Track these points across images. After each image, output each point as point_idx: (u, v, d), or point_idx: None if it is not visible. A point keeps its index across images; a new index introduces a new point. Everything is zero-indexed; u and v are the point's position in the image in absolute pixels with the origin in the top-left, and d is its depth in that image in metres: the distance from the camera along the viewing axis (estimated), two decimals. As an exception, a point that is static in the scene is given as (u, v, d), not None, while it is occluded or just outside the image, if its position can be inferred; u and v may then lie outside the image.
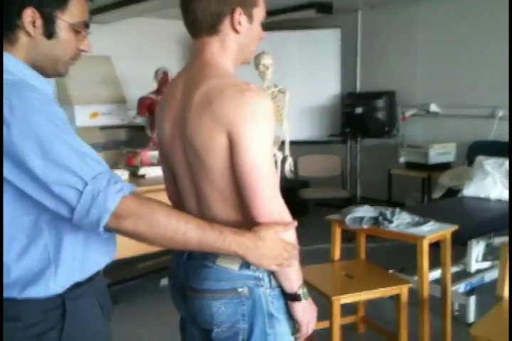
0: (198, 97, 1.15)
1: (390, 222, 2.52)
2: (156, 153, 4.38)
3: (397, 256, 3.76)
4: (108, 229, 1.00)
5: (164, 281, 3.60)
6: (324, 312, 2.09)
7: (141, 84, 5.08)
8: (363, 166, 5.32)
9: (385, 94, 5.20)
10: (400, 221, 2.56)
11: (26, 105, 0.97)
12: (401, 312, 2.45)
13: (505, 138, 4.43)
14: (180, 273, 1.30)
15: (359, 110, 5.11)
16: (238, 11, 1.19)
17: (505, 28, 4.45)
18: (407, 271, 3.20)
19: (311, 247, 4.03)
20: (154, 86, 4.94)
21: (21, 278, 1.05)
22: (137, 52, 5.76)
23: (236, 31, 1.21)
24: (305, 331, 1.25)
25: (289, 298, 1.23)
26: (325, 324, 2.32)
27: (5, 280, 1.05)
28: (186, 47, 6.23)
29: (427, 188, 4.77)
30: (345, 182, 5.46)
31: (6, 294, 1.06)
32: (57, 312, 1.09)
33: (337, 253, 2.77)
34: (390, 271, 3.01)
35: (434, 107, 4.65)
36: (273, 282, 1.23)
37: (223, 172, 1.15)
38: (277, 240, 1.13)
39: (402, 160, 4.86)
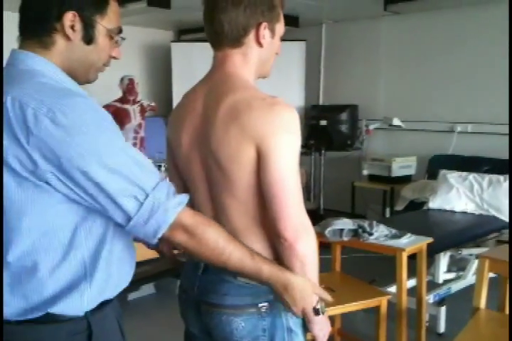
0: (223, 109, 1.13)
1: (370, 234, 2.55)
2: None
3: (365, 267, 3.81)
4: (159, 238, 1.01)
5: (133, 296, 3.51)
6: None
7: (104, 92, 4.96)
8: (327, 178, 5.38)
9: (348, 107, 5.29)
10: (379, 233, 2.59)
11: (79, 112, 0.93)
12: (380, 325, 2.47)
13: (464, 152, 4.59)
14: (194, 287, 1.26)
15: (323, 122, 5.18)
16: (264, 25, 1.20)
17: (468, 44, 4.65)
18: (378, 283, 3.24)
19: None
20: (119, 93, 4.84)
21: (56, 292, 1.00)
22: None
23: (260, 45, 1.22)
24: None
25: None
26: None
27: (39, 295, 0.99)
28: (149, 54, 6.17)
29: (389, 201, 4.87)
30: (309, 194, 5.50)
31: (36, 313, 1.00)
32: (84, 336, 1.04)
33: (315, 266, 2.77)
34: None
35: (396, 121, 4.76)
36: None
37: (248, 185, 1.14)
38: (309, 289, 1.15)
39: (365, 172, 4.95)
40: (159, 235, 0.99)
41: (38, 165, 0.91)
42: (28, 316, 1.00)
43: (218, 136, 1.13)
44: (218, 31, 1.20)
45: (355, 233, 2.60)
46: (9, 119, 0.91)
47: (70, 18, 1.02)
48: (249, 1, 1.18)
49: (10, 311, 1.00)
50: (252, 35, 1.20)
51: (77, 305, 1.02)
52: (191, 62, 5.82)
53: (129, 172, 0.96)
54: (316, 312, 1.20)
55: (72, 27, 1.03)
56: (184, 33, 6.33)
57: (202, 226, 1.03)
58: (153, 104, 5.14)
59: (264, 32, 1.21)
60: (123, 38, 1.13)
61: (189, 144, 1.22)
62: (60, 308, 1.00)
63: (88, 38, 1.06)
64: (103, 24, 1.06)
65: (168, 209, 0.98)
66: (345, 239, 2.57)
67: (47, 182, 0.94)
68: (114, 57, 1.13)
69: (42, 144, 0.90)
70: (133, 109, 4.92)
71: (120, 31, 1.11)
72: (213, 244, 1.04)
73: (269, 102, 1.12)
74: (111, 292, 1.09)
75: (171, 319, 3.01)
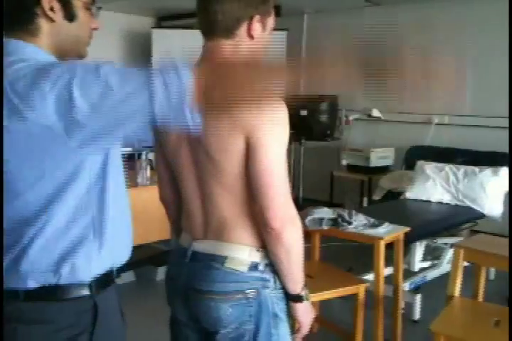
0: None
1: (349, 223, 2.60)
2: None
3: (342, 256, 3.87)
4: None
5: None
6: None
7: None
8: (306, 168, 5.42)
9: (327, 97, 5.31)
10: (358, 222, 2.63)
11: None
12: (358, 312, 2.52)
13: (441, 143, 4.67)
14: (182, 274, 1.28)
15: (304, 112, 5.20)
16: (256, 18, 1.21)
17: (446, 36, 4.70)
18: (354, 271, 3.29)
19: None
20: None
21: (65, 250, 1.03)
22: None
23: (251, 37, 1.23)
24: (305, 331, 1.28)
25: (292, 298, 1.25)
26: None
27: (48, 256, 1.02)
28: (129, 40, 6.09)
29: (367, 190, 4.94)
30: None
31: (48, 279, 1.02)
32: (89, 314, 1.06)
33: (294, 254, 2.80)
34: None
35: (376, 112, 4.81)
36: (277, 283, 1.25)
37: (236, 175, 1.16)
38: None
39: (344, 162, 5.00)
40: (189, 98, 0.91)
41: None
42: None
43: (208, 127, 1.14)
44: (212, 21, 1.21)
45: (334, 222, 2.64)
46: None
47: (47, 0, 1.03)
48: None
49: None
50: (244, 27, 1.22)
51: (85, 269, 1.04)
52: (171, 49, 5.78)
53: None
54: (300, 298, 1.22)
55: (52, 8, 1.04)
56: (164, 19, 6.26)
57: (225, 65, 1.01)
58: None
59: (256, 25, 1.22)
60: (99, 8, 1.13)
61: (177, 134, 1.23)
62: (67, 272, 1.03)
63: (70, 16, 1.07)
64: None
65: (180, 72, 0.92)
66: (324, 227, 2.62)
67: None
68: (95, 29, 1.14)
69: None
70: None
71: (93, 2, 1.12)
72: (237, 74, 0.99)
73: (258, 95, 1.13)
74: (116, 259, 1.12)
75: (152, 306, 3.04)
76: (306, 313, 1.25)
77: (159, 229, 3.08)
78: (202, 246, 1.26)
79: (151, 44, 5.79)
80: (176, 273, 1.32)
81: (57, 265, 1.02)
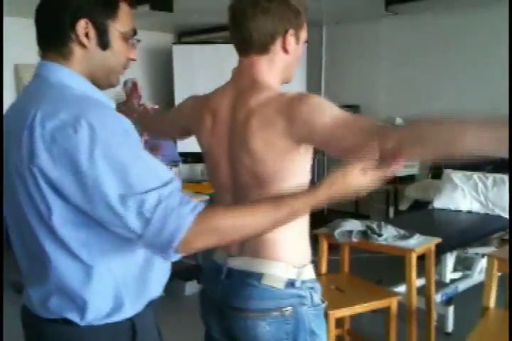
0: (255, 110, 1.20)
1: (380, 235, 2.57)
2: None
3: (370, 268, 3.83)
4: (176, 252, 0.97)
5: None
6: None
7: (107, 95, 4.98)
8: (330, 179, 5.39)
9: (350, 107, 5.28)
10: (388, 234, 2.61)
11: (107, 129, 0.93)
12: (390, 325, 2.48)
13: (467, 151, 4.60)
14: (217, 292, 1.28)
15: (327, 123, 5.19)
16: (290, 32, 1.23)
17: (466, 43, 4.67)
18: (384, 283, 3.26)
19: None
20: (123, 97, 4.86)
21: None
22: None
23: (286, 51, 1.25)
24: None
25: None
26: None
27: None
28: (151, 57, 6.17)
29: (394, 200, 4.89)
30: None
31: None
32: (128, 335, 1.06)
33: (324, 267, 2.79)
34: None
35: (399, 120, 4.77)
36: (314, 300, 1.24)
37: (277, 168, 1.21)
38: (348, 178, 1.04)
39: (369, 172, 4.96)
40: (175, 244, 0.93)
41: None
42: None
43: (256, 132, 1.19)
44: (246, 38, 1.23)
45: (364, 234, 2.62)
46: (37, 134, 0.92)
47: (82, 25, 1.03)
48: (277, 9, 1.20)
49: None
50: (278, 42, 1.23)
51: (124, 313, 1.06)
52: (192, 64, 5.83)
53: (143, 185, 0.93)
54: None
55: (87, 34, 1.04)
56: (184, 35, 6.34)
57: (214, 221, 0.97)
58: (156, 106, 5.15)
59: (291, 39, 1.23)
60: (138, 40, 1.13)
61: (212, 130, 1.31)
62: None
63: (103, 44, 1.06)
64: (116, 28, 1.07)
65: (181, 215, 0.93)
66: (354, 240, 2.59)
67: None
68: (132, 59, 1.13)
69: (63, 153, 0.92)
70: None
71: (135, 33, 1.12)
72: (232, 229, 0.98)
73: (294, 95, 1.19)
74: (155, 292, 1.13)
75: (182, 322, 3.04)
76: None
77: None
78: (237, 262, 1.26)
79: (172, 60, 5.86)
80: (211, 290, 1.32)
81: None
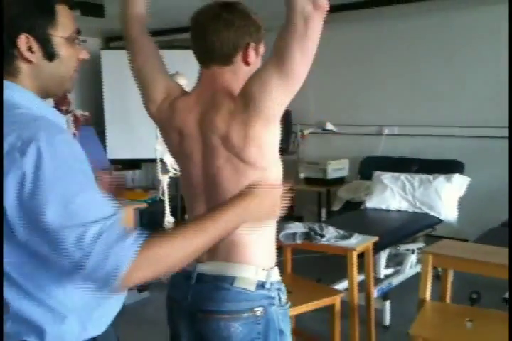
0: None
1: (322, 236, 2.68)
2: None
3: (308, 268, 3.94)
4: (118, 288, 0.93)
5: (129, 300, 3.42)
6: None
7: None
8: (264, 182, 5.49)
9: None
10: (330, 235, 2.72)
11: (56, 156, 0.90)
12: (335, 322, 2.59)
13: (392, 153, 4.86)
14: (187, 297, 1.30)
15: (259, 128, 5.28)
16: (252, 45, 1.30)
17: (392, 51, 4.93)
18: (323, 282, 3.38)
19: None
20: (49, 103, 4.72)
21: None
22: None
23: (247, 64, 1.31)
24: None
25: None
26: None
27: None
28: (80, 63, 6.01)
29: (326, 202, 5.06)
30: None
31: None
32: None
33: (269, 269, 2.86)
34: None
35: (329, 126, 4.96)
36: (282, 300, 1.30)
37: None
38: (267, 195, 1.12)
39: (301, 175, 5.11)
40: (117, 278, 0.89)
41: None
42: None
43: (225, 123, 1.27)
44: (210, 50, 1.29)
45: (307, 236, 2.72)
46: None
47: (23, 41, 0.98)
48: (239, 23, 1.28)
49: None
50: (240, 55, 1.30)
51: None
52: (122, 70, 5.71)
53: (85, 216, 0.90)
54: None
55: (30, 49, 0.99)
56: (112, 40, 6.23)
57: (156, 253, 0.94)
58: (86, 113, 5.04)
59: (252, 52, 1.30)
60: (83, 41, 1.10)
61: (179, 147, 1.36)
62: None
63: (49, 55, 1.02)
64: (59, 34, 1.02)
65: (123, 249, 0.90)
66: (298, 242, 2.69)
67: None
68: (83, 59, 1.11)
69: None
70: (65, 119, 4.79)
71: (79, 32, 1.08)
72: (174, 258, 0.97)
73: None
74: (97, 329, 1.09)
75: (126, 331, 3.00)
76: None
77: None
78: (208, 267, 1.30)
79: (101, 65, 5.74)
80: (179, 296, 1.34)
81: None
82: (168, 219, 3.99)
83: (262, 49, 1.35)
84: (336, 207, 4.76)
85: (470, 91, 4.57)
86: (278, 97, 1.22)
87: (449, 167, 4.14)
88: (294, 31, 1.15)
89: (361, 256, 2.81)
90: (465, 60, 4.58)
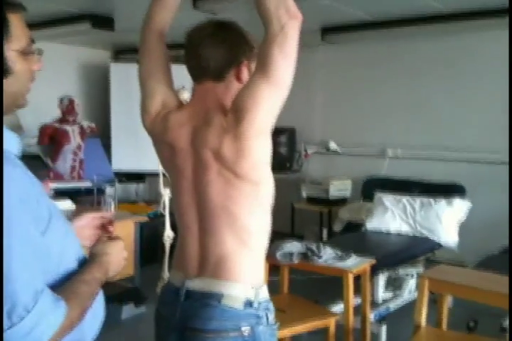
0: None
1: (319, 256, 2.66)
2: (56, 185, 4.22)
3: (306, 289, 3.91)
4: None
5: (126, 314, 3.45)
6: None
7: (40, 111, 4.84)
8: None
9: (286, 130, 5.45)
10: (327, 255, 2.70)
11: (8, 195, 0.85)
12: (329, 343, 2.57)
13: (395, 174, 4.86)
14: (176, 314, 1.29)
15: (263, 145, 5.29)
16: (245, 63, 1.32)
17: (398, 74, 4.95)
18: (320, 303, 3.34)
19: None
20: (56, 113, 4.76)
21: None
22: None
23: (240, 80, 1.32)
24: None
25: None
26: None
27: None
28: (87, 74, 6.08)
29: (327, 222, 5.04)
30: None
31: None
32: None
33: (265, 288, 2.83)
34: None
35: (333, 145, 4.97)
36: (270, 320, 1.29)
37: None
38: (115, 248, 1.15)
39: (304, 194, 5.10)
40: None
41: None
42: None
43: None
44: (203, 66, 1.31)
45: (304, 255, 2.70)
46: None
47: None
48: (233, 41, 1.31)
49: None
50: (233, 72, 1.32)
51: None
52: (130, 82, 5.76)
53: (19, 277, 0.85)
54: None
55: None
56: (122, 52, 6.31)
57: (70, 317, 0.91)
58: (92, 125, 5.07)
59: (244, 69, 1.32)
60: (40, 51, 1.00)
61: (170, 161, 1.37)
62: None
63: (3, 72, 0.92)
64: (13, 47, 0.93)
65: (51, 320, 0.88)
66: (295, 261, 2.67)
67: None
68: (37, 70, 1.01)
69: None
70: (72, 130, 4.83)
71: (32, 42, 0.98)
72: (80, 315, 0.96)
73: None
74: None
75: None
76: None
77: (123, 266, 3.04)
78: (196, 284, 1.29)
79: (109, 77, 5.80)
80: (168, 312, 1.33)
81: None
82: (168, 233, 3.98)
83: (253, 66, 1.35)
84: (337, 228, 4.74)
85: (473, 117, 4.58)
86: (269, 106, 1.24)
87: (450, 190, 4.12)
88: (273, 41, 1.19)
89: (359, 278, 2.79)
90: (468, 86, 4.60)
